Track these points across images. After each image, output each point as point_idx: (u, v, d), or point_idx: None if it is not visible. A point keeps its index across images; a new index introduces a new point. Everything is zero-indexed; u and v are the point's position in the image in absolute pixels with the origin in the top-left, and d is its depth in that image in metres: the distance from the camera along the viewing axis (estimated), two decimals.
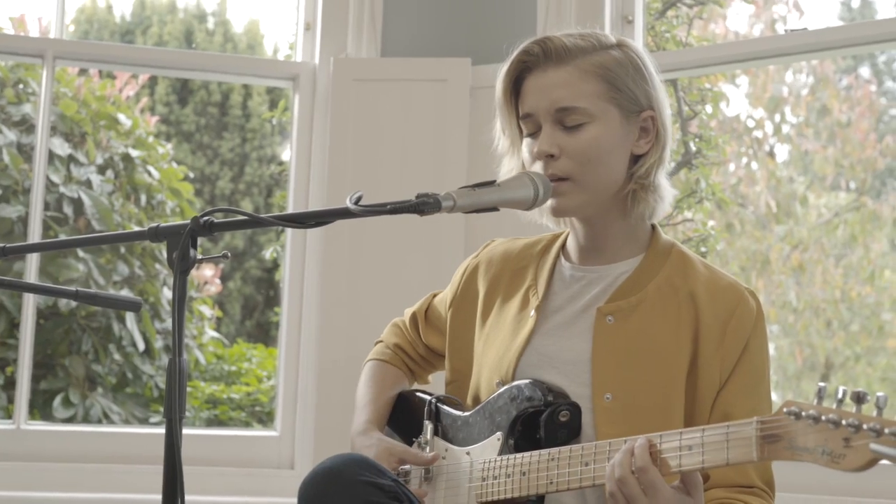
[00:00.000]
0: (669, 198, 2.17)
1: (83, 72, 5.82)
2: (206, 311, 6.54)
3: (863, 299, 8.64)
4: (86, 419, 5.29)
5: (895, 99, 10.25)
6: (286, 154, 8.89)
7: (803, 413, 1.57)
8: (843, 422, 1.51)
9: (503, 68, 2.17)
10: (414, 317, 2.49)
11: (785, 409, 1.60)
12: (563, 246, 2.26)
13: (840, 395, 1.53)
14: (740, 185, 8.65)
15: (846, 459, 1.51)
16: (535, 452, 1.99)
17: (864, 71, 9.78)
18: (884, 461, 1.49)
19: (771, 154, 9.05)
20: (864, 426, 1.49)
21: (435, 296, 2.48)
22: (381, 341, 2.53)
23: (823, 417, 1.54)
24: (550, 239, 2.30)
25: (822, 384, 1.57)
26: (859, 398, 1.51)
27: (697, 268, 2.14)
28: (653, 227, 2.20)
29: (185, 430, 3.96)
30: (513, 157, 2.20)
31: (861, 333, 8.64)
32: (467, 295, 2.34)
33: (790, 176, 9.14)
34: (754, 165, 8.83)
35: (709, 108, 4.83)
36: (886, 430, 1.47)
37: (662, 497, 1.77)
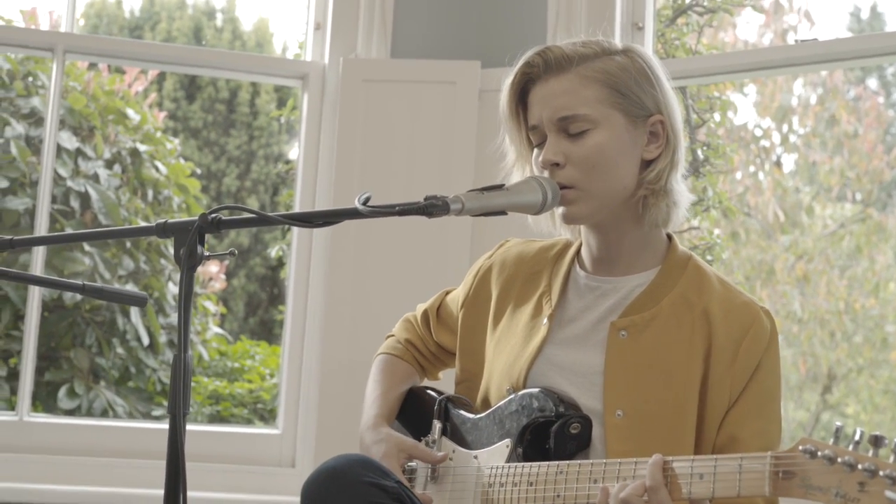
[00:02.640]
0: (685, 202, 2.14)
1: (92, 66, 5.83)
2: (211, 307, 6.55)
3: (867, 311, 8.64)
4: (89, 411, 5.30)
5: None
6: (293, 153, 8.90)
7: (819, 453, 1.56)
8: (860, 466, 1.51)
9: (506, 81, 2.17)
10: (426, 314, 2.48)
11: (801, 448, 1.60)
12: (578, 252, 2.24)
13: (857, 437, 1.53)
14: (747, 195, 8.64)
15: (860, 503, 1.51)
16: (544, 464, 1.98)
17: (872, 83, 9.79)
18: None
19: (778, 164, 9.05)
20: (881, 472, 1.49)
21: (448, 293, 2.47)
22: (392, 335, 2.52)
23: (840, 459, 1.53)
24: (565, 244, 2.28)
25: (838, 424, 1.56)
26: (877, 442, 1.51)
27: (713, 284, 2.12)
28: (669, 237, 2.18)
29: (188, 427, 3.96)
30: (520, 170, 2.20)
31: (864, 345, 8.64)
32: (480, 296, 2.32)
33: (796, 186, 9.14)
34: (761, 175, 8.83)
35: (717, 117, 4.83)
36: None
37: None
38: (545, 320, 2.16)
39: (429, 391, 2.36)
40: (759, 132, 8.87)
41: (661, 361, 2.05)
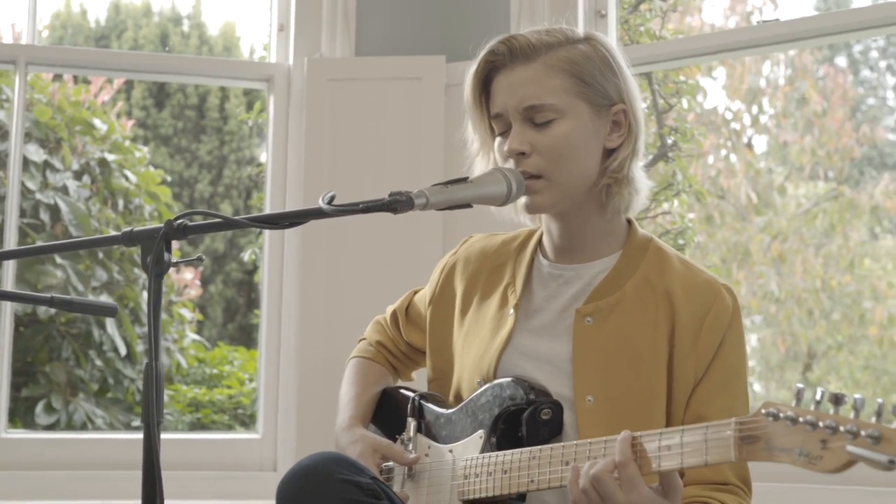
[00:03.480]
0: (645, 190, 2.16)
1: (57, 77, 5.80)
2: (187, 314, 6.53)
3: (843, 288, 8.68)
4: (69, 425, 5.27)
5: (872, 88, 10.30)
6: (264, 156, 8.88)
7: (781, 414, 1.57)
8: (821, 423, 1.52)
9: (470, 69, 2.16)
10: (395, 314, 2.48)
11: (763, 411, 1.61)
12: (540, 242, 2.25)
13: (818, 397, 1.53)
14: (719, 178, 8.67)
15: (823, 461, 1.52)
16: (517, 451, 1.99)
17: (841, 61, 9.83)
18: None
19: (749, 145, 9.08)
20: (841, 428, 1.50)
21: (416, 293, 2.48)
22: (363, 339, 2.53)
23: (801, 419, 1.54)
24: (527, 234, 2.29)
25: (799, 385, 1.57)
26: (837, 400, 1.51)
27: (674, 264, 2.13)
28: (629, 221, 2.19)
29: (167, 435, 3.95)
30: (484, 158, 2.19)
31: (842, 322, 8.68)
32: (446, 293, 2.33)
33: (769, 167, 9.18)
34: (733, 157, 8.86)
35: (685, 103, 4.84)
36: (863, 433, 1.47)
37: (638, 494, 1.76)
38: (511, 311, 2.17)
39: (402, 391, 2.36)
40: (729, 115, 8.90)
41: (628, 345, 2.06)
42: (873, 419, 1.49)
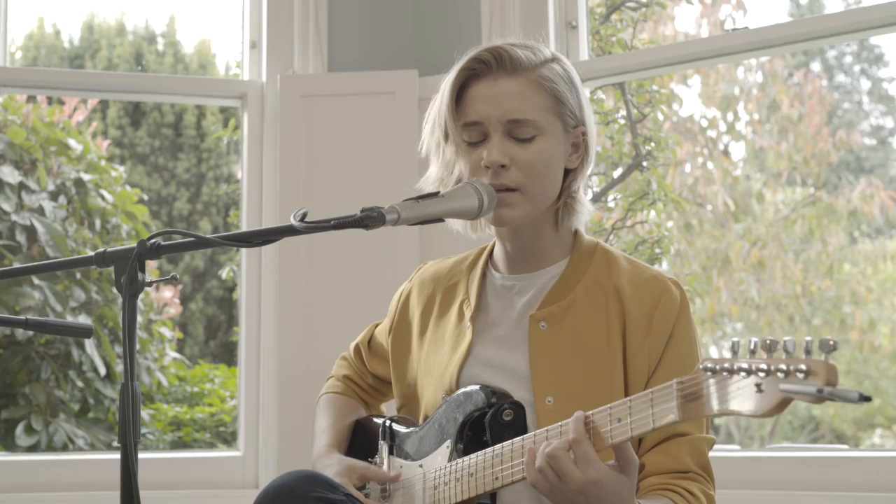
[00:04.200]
0: (590, 207, 2.23)
1: (31, 98, 5.79)
2: (167, 332, 6.51)
3: (823, 293, 8.72)
4: (50, 446, 5.25)
5: (847, 93, 10.36)
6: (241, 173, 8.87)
7: (718, 367, 1.60)
8: (754, 367, 1.54)
9: (451, 75, 2.16)
10: (357, 348, 2.52)
11: (700, 366, 1.64)
12: (490, 256, 2.28)
13: (752, 347, 1.56)
14: (697, 185, 8.70)
15: (761, 404, 1.54)
16: (481, 452, 2.00)
17: (815, 66, 9.88)
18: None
19: (726, 153, 9.12)
20: (772, 367, 1.52)
21: (377, 326, 2.51)
22: (331, 376, 2.56)
23: (735, 366, 1.57)
24: (477, 253, 2.33)
25: (735, 339, 1.60)
26: (770, 346, 1.54)
27: (621, 263, 2.17)
28: (575, 231, 2.23)
29: (148, 454, 3.93)
30: (454, 165, 2.19)
31: (823, 327, 8.72)
32: (404, 320, 2.36)
33: (746, 174, 9.21)
34: (710, 165, 8.88)
35: (660, 115, 4.86)
36: (792, 368, 1.50)
37: (594, 470, 1.77)
38: (468, 324, 2.20)
39: (374, 419, 2.40)
40: (704, 122, 8.93)
41: (583, 345, 2.09)
42: (803, 356, 1.52)
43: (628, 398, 1.78)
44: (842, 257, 8.90)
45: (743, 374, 1.56)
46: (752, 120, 9.01)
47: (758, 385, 1.54)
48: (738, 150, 9.42)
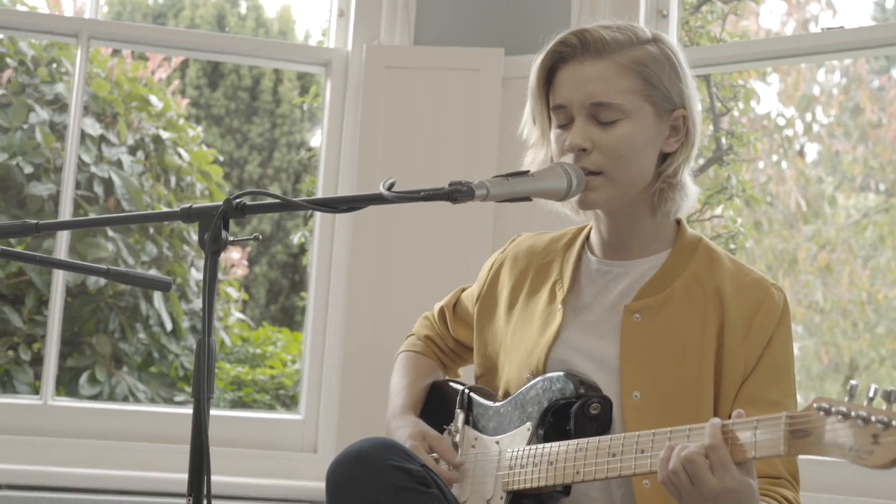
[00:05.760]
0: (695, 195, 2.18)
1: (116, 53, 5.84)
2: (233, 293, 6.57)
3: (889, 302, 8.60)
4: (111, 397, 5.32)
5: None
6: (315, 140, 8.91)
7: (833, 409, 1.57)
8: (873, 418, 1.52)
9: (539, 57, 2.15)
10: (442, 311, 2.51)
11: (815, 405, 1.60)
12: (588, 239, 2.26)
13: (871, 394, 1.53)
14: (769, 184, 8.61)
15: (874, 456, 1.51)
16: (564, 443, 1.99)
17: None
18: None
19: (801, 153, 9.01)
20: (894, 423, 1.49)
21: (463, 290, 2.50)
22: (412, 334, 2.55)
23: (853, 413, 1.54)
24: (575, 232, 2.30)
25: (853, 382, 1.57)
26: (890, 397, 1.51)
27: (724, 263, 2.14)
28: (678, 222, 2.20)
29: (211, 412, 3.98)
30: (541, 148, 2.20)
31: (887, 336, 8.60)
32: (493, 290, 2.35)
33: (819, 176, 9.10)
34: (784, 164, 8.79)
35: (741, 105, 4.81)
36: None
37: (731, 478, 1.74)
38: (559, 306, 2.18)
39: (452, 384, 2.39)
40: (781, 121, 8.83)
41: (676, 342, 2.07)
42: None
43: (731, 421, 1.75)
44: None
45: (860, 421, 1.53)
46: (830, 122, 8.89)
47: (874, 436, 1.51)
48: (812, 152, 9.31)
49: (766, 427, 1.69)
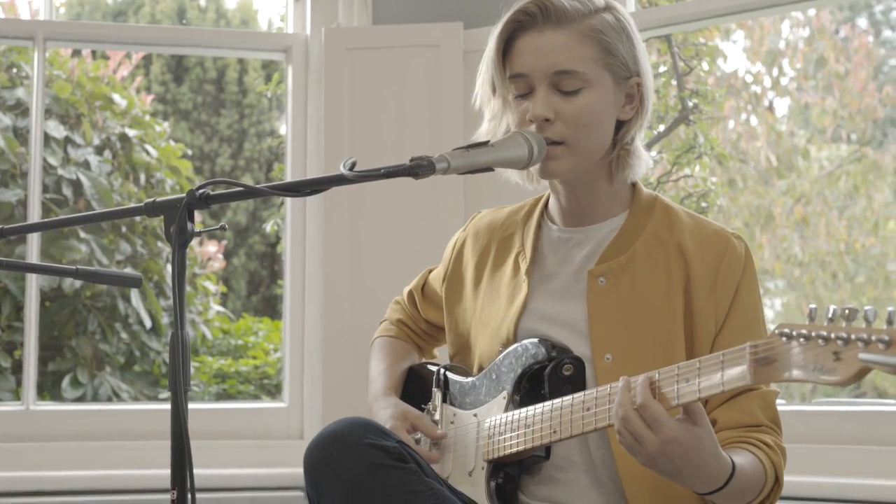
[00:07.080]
0: (648, 160, 2.18)
1: (76, 53, 5.81)
2: (211, 286, 6.55)
3: (867, 250, 8.64)
4: (95, 398, 5.31)
5: (894, 48, 10.21)
6: (284, 128, 8.89)
7: (795, 333, 1.59)
8: (833, 335, 1.53)
9: (497, 27, 2.13)
10: (411, 294, 2.51)
11: (777, 332, 1.62)
12: (546, 208, 2.26)
13: (830, 314, 1.55)
14: (740, 141, 8.63)
15: (836, 372, 1.53)
16: (539, 405, 2.00)
17: (862, 21, 9.74)
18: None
19: (770, 108, 9.03)
20: (853, 337, 1.51)
21: (430, 272, 2.50)
22: (385, 320, 2.56)
23: (814, 334, 1.56)
24: (532, 203, 2.30)
25: (812, 306, 1.59)
26: (850, 315, 1.53)
27: (682, 218, 2.15)
28: (633, 184, 2.20)
29: (195, 405, 3.97)
30: (498, 119, 2.18)
31: (867, 285, 8.65)
32: (458, 269, 2.35)
33: (790, 130, 9.12)
34: (754, 121, 8.81)
35: (705, 65, 4.81)
36: (874, 338, 1.48)
37: (668, 429, 1.76)
38: (524, 277, 2.18)
39: (428, 366, 2.39)
40: (749, 78, 8.84)
41: (643, 302, 2.07)
42: (885, 327, 1.50)
43: (697, 359, 1.77)
44: (887, 214, 8.80)
45: (821, 341, 1.54)
46: (798, 75, 8.91)
47: (836, 353, 1.52)
48: (782, 106, 9.33)
49: (732, 360, 1.70)
